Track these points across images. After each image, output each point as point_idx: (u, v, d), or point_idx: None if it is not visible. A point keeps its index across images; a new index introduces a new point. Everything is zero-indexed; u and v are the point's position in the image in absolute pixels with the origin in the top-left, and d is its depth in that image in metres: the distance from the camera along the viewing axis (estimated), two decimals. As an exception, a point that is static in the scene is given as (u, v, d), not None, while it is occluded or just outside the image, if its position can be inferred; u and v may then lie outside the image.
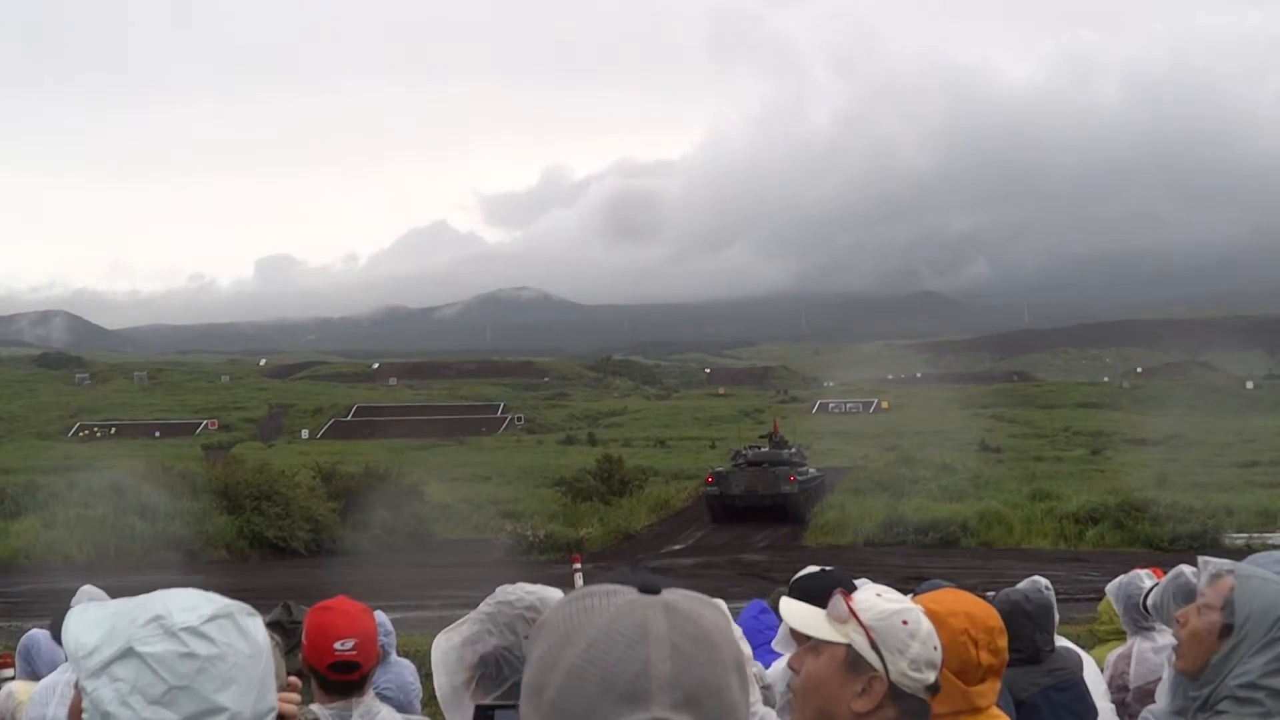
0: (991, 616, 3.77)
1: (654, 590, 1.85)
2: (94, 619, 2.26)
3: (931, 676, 3.15)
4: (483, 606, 4.38)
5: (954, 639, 3.62)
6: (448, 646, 4.45)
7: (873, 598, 3.26)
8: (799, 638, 3.35)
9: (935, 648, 3.17)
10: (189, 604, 2.28)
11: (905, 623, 3.16)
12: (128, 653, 2.19)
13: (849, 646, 3.15)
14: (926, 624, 3.20)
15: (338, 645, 4.70)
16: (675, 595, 1.86)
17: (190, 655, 2.19)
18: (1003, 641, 3.76)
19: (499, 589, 4.31)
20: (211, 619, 2.25)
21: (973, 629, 3.70)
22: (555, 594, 4.32)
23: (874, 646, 3.14)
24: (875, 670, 3.12)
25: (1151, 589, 6.93)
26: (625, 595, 1.84)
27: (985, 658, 3.70)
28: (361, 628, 4.81)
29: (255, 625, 2.33)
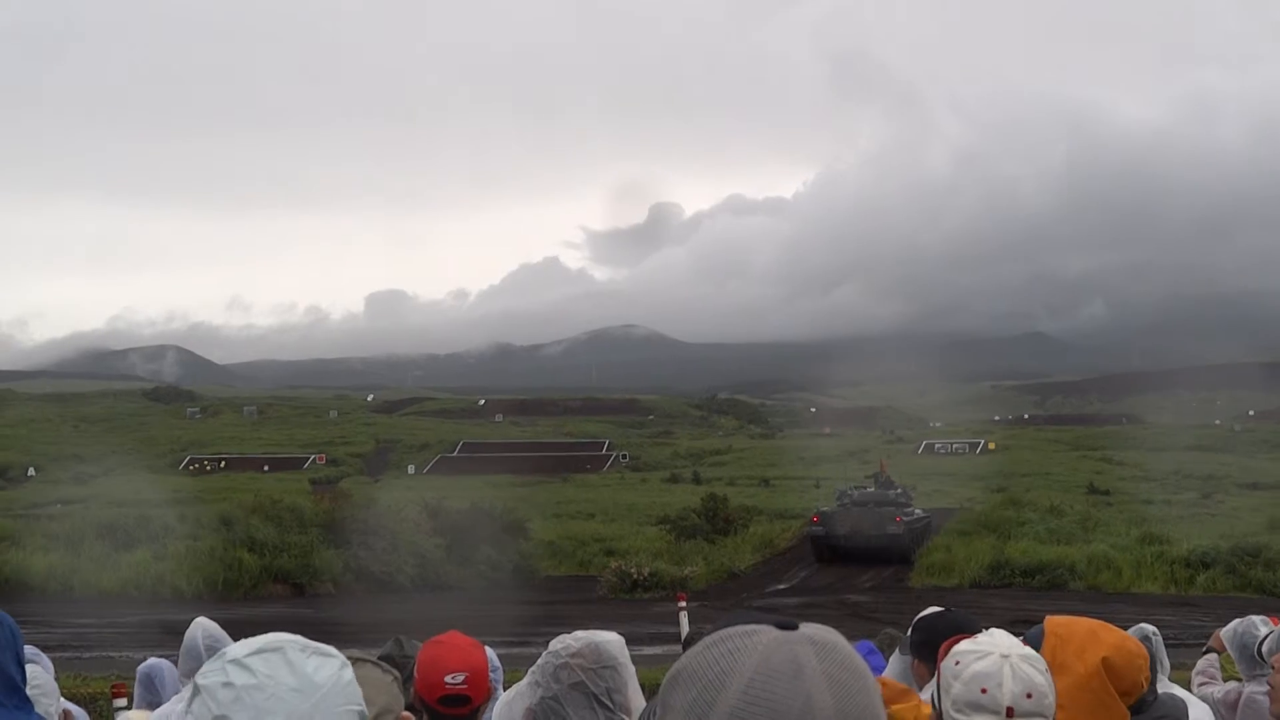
0: (1128, 655, 3.83)
1: (792, 627, 1.87)
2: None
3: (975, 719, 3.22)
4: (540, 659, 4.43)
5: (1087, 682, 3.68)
6: (503, 700, 4.51)
7: (975, 637, 3.38)
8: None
9: (983, 690, 3.23)
10: (254, 641, 2.37)
11: (958, 663, 3.30)
12: (196, 688, 2.32)
13: None
14: (982, 668, 3.28)
15: (448, 679, 4.75)
16: (813, 629, 1.88)
17: (229, 685, 2.28)
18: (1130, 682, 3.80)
19: (553, 640, 4.35)
20: (258, 651, 2.33)
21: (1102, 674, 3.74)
22: (609, 637, 4.36)
23: (937, 682, 3.36)
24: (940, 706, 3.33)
25: (1267, 636, 6.84)
26: (767, 633, 1.86)
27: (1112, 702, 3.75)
28: (472, 662, 4.85)
29: (315, 663, 2.36)
